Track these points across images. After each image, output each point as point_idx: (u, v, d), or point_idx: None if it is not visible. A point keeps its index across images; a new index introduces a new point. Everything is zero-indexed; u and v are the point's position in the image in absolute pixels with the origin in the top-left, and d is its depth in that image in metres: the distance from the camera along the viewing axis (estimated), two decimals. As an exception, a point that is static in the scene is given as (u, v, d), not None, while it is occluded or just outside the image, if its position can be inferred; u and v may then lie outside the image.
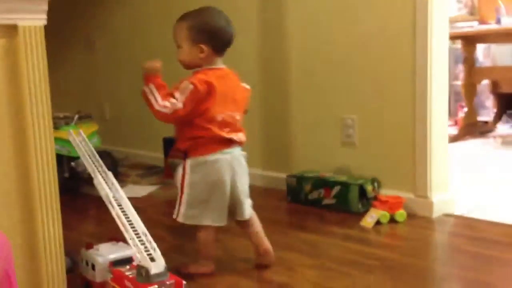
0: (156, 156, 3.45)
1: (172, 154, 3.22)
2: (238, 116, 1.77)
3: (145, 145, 3.71)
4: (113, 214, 1.45)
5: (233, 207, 1.78)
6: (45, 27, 1.34)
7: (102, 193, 1.51)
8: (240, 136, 1.78)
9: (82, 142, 1.63)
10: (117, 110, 3.98)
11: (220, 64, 1.77)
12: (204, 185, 1.73)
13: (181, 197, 1.75)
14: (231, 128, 1.75)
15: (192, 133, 1.72)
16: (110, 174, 1.58)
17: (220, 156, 1.72)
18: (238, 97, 1.78)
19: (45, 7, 1.30)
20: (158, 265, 1.33)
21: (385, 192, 2.35)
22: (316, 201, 2.48)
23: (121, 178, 3.18)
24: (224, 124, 1.72)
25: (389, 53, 2.37)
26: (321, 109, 2.66)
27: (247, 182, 1.82)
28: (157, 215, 2.50)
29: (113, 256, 1.58)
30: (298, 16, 2.70)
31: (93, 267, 1.59)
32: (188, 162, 1.74)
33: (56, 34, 4.38)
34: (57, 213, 1.42)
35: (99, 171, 1.58)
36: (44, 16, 1.31)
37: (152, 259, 1.34)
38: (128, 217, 1.46)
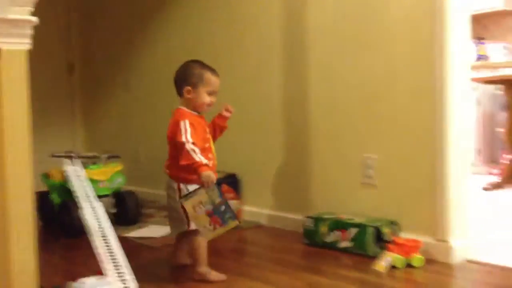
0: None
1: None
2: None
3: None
4: (93, 245, 1.43)
5: None
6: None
7: (86, 224, 1.49)
8: None
9: (80, 176, 1.66)
10: (152, 151, 4.00)
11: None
12: None
13: None
14: None
15: None
16: (99, 206, 1.56)
17: None
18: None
19: (29, 31, 1.31)
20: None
21: (405, 236, 2.22)
22: (333, 244, 2.37)
23: (144, 219, 3.17)
24: None
25: (410, 94, 2.29)
26: (341, 149, 2.58)
27: None
28: (167, 254, 2.44)
29: (96, 289, 1.53)
30: (319, 55, 2.67)
31: (76, 299, 1.55)
32: None
33: (94, 74, 4.55)
34: (32, 244, 1.39)
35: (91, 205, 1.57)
36: (28, 41, 1.32)
37: (128, 291, 1.30)
38: (111, 250, 1.43)
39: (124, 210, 3.04)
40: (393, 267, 2.05)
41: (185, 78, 2.08)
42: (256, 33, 3.03)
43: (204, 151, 2.00)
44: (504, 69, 4.64)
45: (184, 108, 2.07)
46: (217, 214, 1.96)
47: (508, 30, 5.26)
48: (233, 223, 2.00)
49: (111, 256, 1.40)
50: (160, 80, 3.89)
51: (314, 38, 2.69)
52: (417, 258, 2.07)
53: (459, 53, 2.18)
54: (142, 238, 2.74)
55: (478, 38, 5.11)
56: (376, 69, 2.42)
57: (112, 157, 3.24)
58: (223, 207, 1.97)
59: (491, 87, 4.69)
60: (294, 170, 2.83)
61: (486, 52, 5.18)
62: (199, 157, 1.94)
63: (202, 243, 2.03)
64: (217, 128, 2.18)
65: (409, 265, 2.06)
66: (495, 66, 4.93)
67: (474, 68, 3.67)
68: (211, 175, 1.95)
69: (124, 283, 1.33)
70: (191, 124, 1.99)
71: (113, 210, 3.00)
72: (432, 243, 2.15)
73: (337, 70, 2.59)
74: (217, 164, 2.12)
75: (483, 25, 5.25)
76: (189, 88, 2.06)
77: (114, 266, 1.37)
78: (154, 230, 2.92)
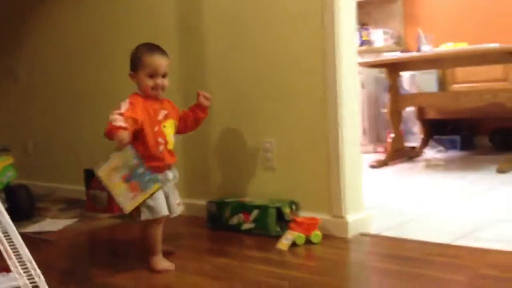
0: (80, 189, 3.34)
1: (93, 185, 3.13)
2: None
3: (69, 178, 3.59)
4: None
5: None
6: None
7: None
8: None
9: None
10: (43, 143, 3.85)
11: None
12: None
13: None
14: None
15: None
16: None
17: None
18: None
19: None
20: (40, 292, 1.26)
21: (304, 214, 2.34)
22: (236, 226, 2.44)
23: (40, 213, 3.07)
24: None
25: (301, 79, 2.39)
26: (241, 135, 2.65)
27: None
28: (68, 247, 2.39)
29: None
30: (216, 44, 2.72)
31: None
32: None
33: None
34: None
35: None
36: None
37: (36, 287, 1.27)
38: (14, 245, 1.39)
39: (16, 205, 2.92)
40: (295, 244, 2.15)
41: (130, 63, 2.06)
42: (152, 24, 3.01)
43: (153, 134, 1.97)
44: (385, 53, 4.97)
45: (137, 92, 2.03)
46: (136, 178, 1.73)
47: (389, 16, 5.61)
48: (155, 187, 1.77)
49: (14, 251, 1.36)
50: (51, 69, 3.74)
51: (210, 26, 2.73)
52: (316, 235, 2.19)
53: (348, 39, 2.32)
54: (40, 233, 2.64)
55: (362, 24, 5.41)
56: (271, 57, 2.50)
57: (1, 151, 3.09)
58: (141, 169, 1.73)
59: (375, 71, 5.00)
60: (194, 157, 2.86)
61: (369, 37, 5.50)
62: (114, 118, 1.79)
63: (153, 232, 1.99)
64: (190, 118, 2.17)
65: (309, 242, 2.18)
66: (378, 51, 5.26)
67: (359, 53, 3.89)
68: (123, 135, 1.75)
69: (30, 278, 1.30)
70: (131, 103, 1.94)
71: (4, 205, 2.86)
72: (329, 220, 2.29)
73: (233, 59, 2.65)
74: (172, 149, 2.08)
75: (367, 12, 5.55)
76: (131, 73, 2.05)
77: (19, 261, 1.33)
78: (51, 224, 2.83)
